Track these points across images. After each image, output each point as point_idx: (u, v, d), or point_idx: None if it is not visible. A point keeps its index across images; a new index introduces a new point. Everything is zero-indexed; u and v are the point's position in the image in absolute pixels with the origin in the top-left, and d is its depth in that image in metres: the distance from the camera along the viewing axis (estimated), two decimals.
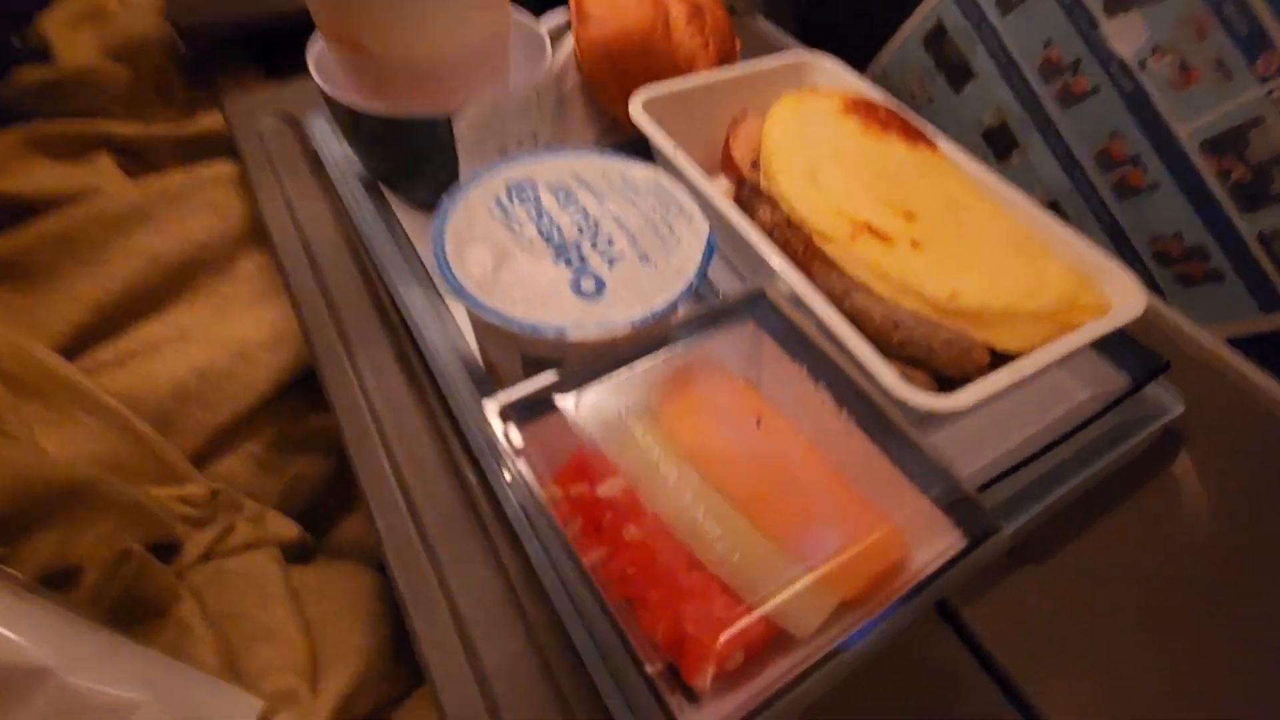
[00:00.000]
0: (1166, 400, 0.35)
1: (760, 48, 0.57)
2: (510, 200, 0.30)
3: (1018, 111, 0.54)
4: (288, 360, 0.45)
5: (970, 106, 0.58)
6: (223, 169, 0.49)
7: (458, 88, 0.36)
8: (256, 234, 0.49)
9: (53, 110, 0.55)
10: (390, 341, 0.37)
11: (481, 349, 0.33)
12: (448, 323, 0.36)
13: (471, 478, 0.32)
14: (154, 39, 0.64)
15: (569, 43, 0.42)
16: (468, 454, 0.32)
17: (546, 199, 0.31)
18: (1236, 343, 0.44)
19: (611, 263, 0.29)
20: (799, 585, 0.22)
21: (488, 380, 0.33)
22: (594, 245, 0.29)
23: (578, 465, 0.25)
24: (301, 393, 0.48)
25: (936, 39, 0.58)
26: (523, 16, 0.42)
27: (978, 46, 0.55)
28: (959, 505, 0.25)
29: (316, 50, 0.39)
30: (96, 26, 0.64)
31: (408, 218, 0.41)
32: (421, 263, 0.39)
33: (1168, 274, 0.34)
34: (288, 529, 0.44)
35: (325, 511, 0.48)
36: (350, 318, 0.38)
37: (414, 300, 0.36)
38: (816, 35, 0.59)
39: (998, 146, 0.58)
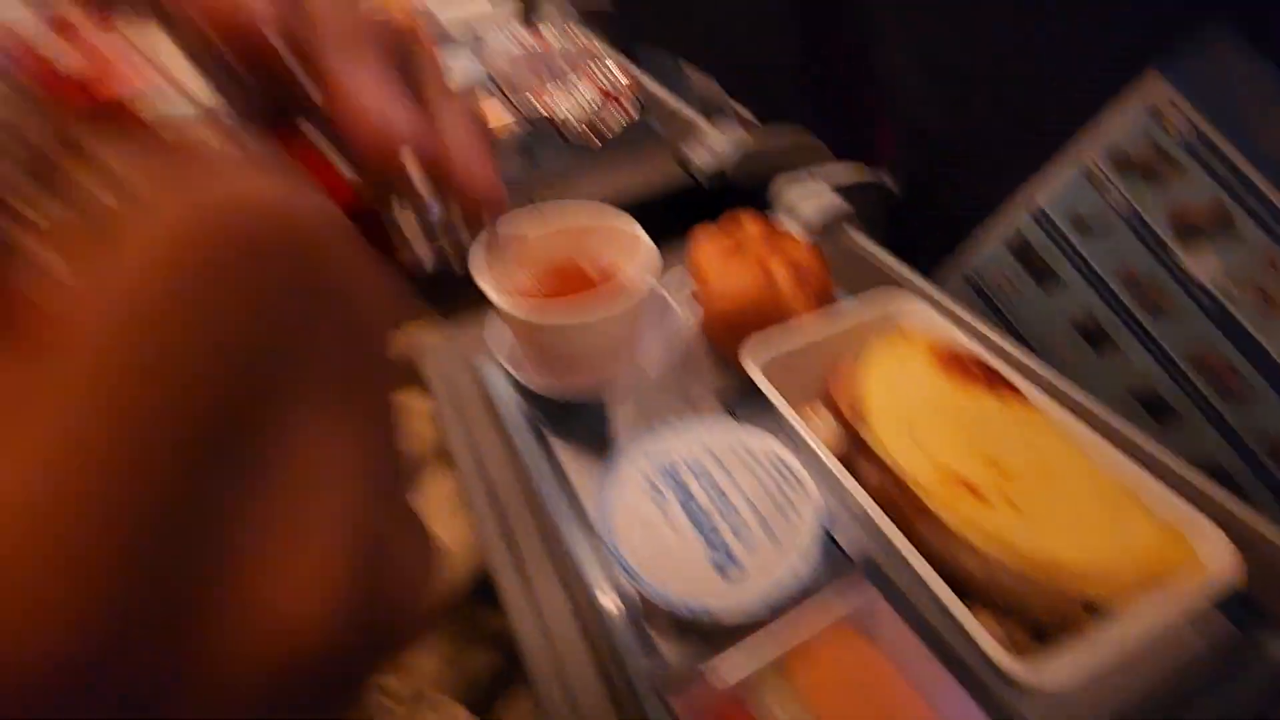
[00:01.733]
0: None
1: (852, 261, 0.65)
2: (660, 482, 0.38)
3: (1106, 314, 0.58)
4: (471, 567, 0.55)
5: (1059, 304, 0.62)
6: (418, 405, 0.62)
7: (603, 366, 0.47)
8: (445, 459, 0.60)
9: None
10: (556, 568, 0.45)
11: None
12: (607, 560, 0.44)
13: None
14: None
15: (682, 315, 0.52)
16: (629, 690, 0.39)
17: (688, 479, 0.38)
18: None
19: (745, 541, 0.35)
20: None
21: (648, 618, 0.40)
22: (728, 523, 0.36)
23: None
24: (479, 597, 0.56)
25: (1021, 248, 0.63)
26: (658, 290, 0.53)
27: (1061, 259, 0.60)
28: None
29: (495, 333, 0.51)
30: None
31: (568, 459, 0.51)
32: (579, 502, 0.47)
33: None
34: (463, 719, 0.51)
35: (487, 696, 0.56)
36: (524, 540, 0.47)
37: (575, 540, 0.44)
38: (903, 247, 0.66)
39: (1091, 339, 0.61)
